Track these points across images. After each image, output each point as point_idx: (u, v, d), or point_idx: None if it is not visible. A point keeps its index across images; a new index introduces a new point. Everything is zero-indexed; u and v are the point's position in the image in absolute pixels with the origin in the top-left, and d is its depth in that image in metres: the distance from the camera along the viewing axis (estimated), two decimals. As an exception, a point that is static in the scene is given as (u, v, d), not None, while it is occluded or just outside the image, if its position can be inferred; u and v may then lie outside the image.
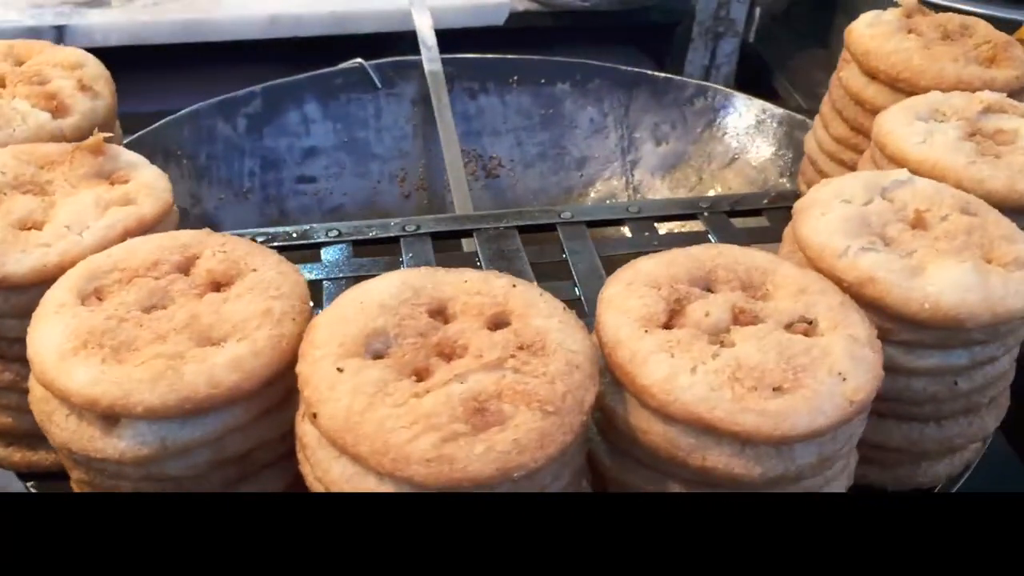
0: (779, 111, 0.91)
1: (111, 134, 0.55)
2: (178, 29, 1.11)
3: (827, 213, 0.50)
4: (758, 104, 0.92)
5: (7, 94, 0.59)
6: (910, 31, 0.67)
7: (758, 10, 1.35)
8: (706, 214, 0.75)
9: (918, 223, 0.50)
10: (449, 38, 1.18)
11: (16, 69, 0.61)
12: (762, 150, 0.91)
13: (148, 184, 0.53)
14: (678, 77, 0.97)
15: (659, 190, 0.96)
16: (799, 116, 0.90)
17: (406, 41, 1.17)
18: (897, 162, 0.57)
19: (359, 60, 0.97)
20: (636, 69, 0.98)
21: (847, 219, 0.50)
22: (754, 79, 1.38)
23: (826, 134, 0.71)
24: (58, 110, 0.58)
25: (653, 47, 1.36)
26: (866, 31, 0.68)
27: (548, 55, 1.25)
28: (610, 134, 0.98)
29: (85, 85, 0.60)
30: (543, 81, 1.00)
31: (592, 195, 0.99)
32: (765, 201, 0.77)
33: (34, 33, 1.07)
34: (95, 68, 0.63)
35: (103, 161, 0.54)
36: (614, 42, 1.35)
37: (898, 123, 0.58)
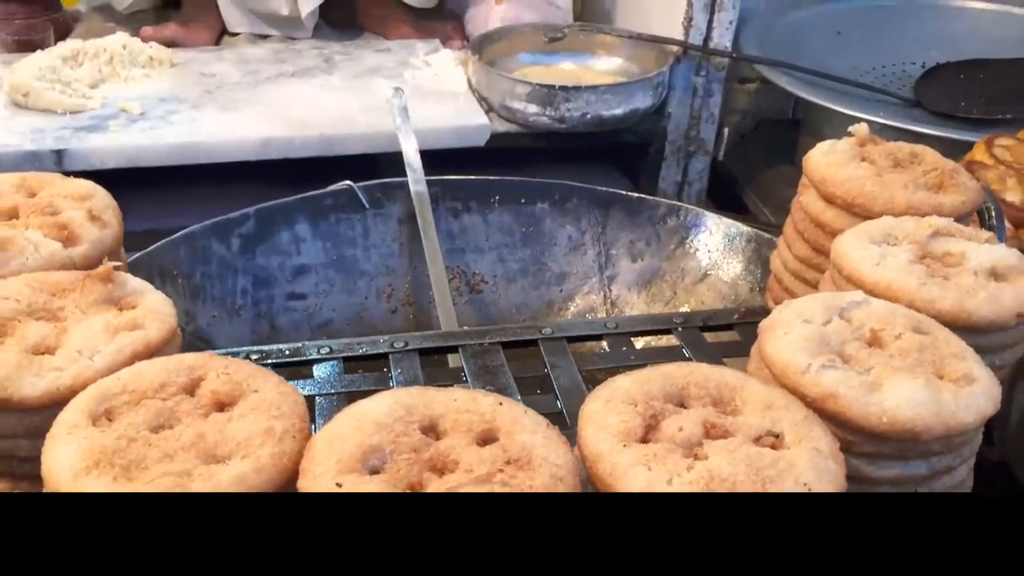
0: (747, 229, 0.96)
1: (120, 263, 0.58)
2: (173, 152, 1.16)
3: (789, 332, 0.54)
4: (727, 222, 0.97)
5: (21, 225, 0.62)
6: (863, 159, 0.73)
7: (726, 130, 1.42)
8: (680, 329, 0.79)
9: (874, 341, 0.54)
10: (434, 158, 1.24)
11: (29, 200, 0.65)
12: (732, 266, 0.96)
13: (154, 309, 0.57)
14: (651, 197, 1.02)
15: (636, 304, 1.00)
16: (766, 234, 0.94)
17: (392, 161, 1.23)
18: (854, 283, 0.61)
19: (348, 183, 1.01)
20: (611, 189, 1.04)
21: (808, 338, 0.53)
22: (725, 195, 1.44)
23: (790, 254, 0.76)
24: (69, 240, 0.62)
25: (628, 165, 1.42)
26: (822, 159, 0.73)
27: (527, 173, 1.31)
28: (588, 251, 1.03)
29: (94, 215, 0.64)
30: (523, 200, 1.05)
31: (572, 309, 1.03)
32: (736, 316, 0.81)
33: (35, 157, 1.12)
34: (103, 199, 0.67)
35: (112, 288, 0.57)
36: (590, 161, 1.41)
37: (854, 247, 0.63)
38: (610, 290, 1.02)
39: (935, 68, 1.41)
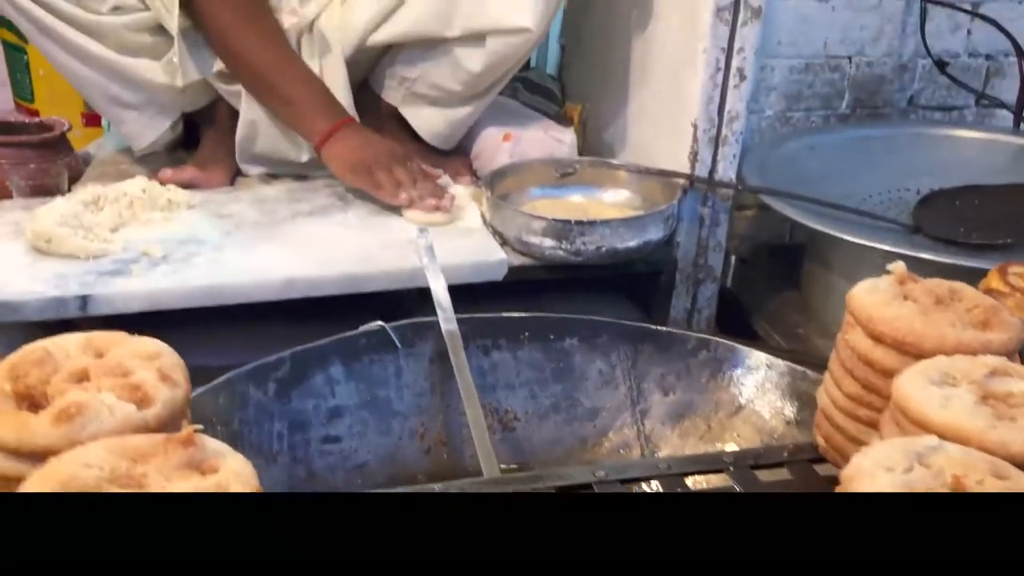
0: (780, 362, 0.97)
1: (199, 425, 0.58)
2: (197, 294, 1.17)
3: (875, 482, 0.55)
4: (759, 356, 0.99)
5: (92, 387, 0.62)
6: (906, 297, 0.75)
7: (733, 257, 1.46)
8: (731, 468, 0.80)
9: (957, 488, 0.55)
10: (451, 293, 1.25)
11: (98, 362, 0.65)
12: (767, 399, 0.97)
13: (236, 472, 0.56)
14: (681, 331, 1.04)
15: (670, 438, 1.01)
16: (799, 367, 0.96)
17: (413, 296, 1.25)
18: (921, 426, 0.62)
19: (380, 323, 1.02)
20: (640, 324, 1.06)
21: (894, 487, 0.54)
22: (733, 321, 1.47)
23: (839, 391, 0.77)
24: (142, 401, 0.62)
25: (638, 294, 1.44)
26: (867, 298, 0.75)
27: (539, 304, 1.33)
28: (619, 385, 1.04)
29: (165, 375, 0.64)
30: (552, 336, 1.06)
31: (606, 445, 1.03)
32: (785, 454, 0.82)
33: (59, 303, 1.12)
34: (171, 357, 0.67)
35: (193, 451, 0.57)
36: (601, 290, 1.43)
37: (915, 388, 0.64)
38: (643, 424, 1.03)
39: (930, 195, 1.46)
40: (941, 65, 1.60)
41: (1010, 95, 1.65)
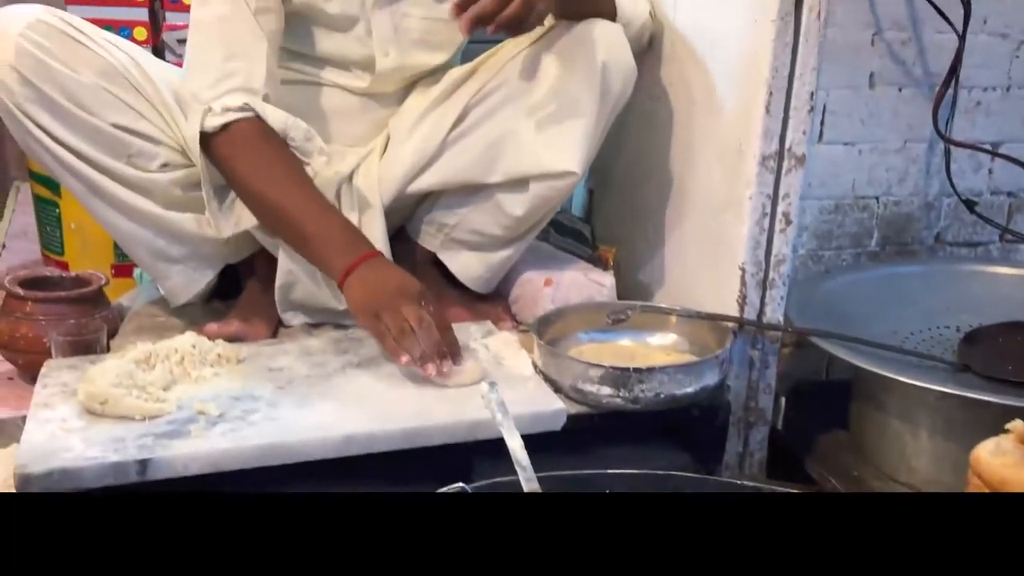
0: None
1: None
2: (257, 454, 1.14)
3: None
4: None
5: None
6: (1034, 459, 0.74)
7: (783, 399, 1.45)
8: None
9: None
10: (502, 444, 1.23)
11: None
12: None
13: None
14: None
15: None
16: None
17: (472, 449, 1.22)
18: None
19: (461, 484, 0.99)
20: (723, 479, 1.03)
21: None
22: (786, 465, 1.45)
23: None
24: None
25: (689, 438, 1.42)
26: (994, 460, 0.74)
27: (591, 451, 1.31)
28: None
29: None
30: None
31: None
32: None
33: (119, 469, 1.08)
34: None
35: None
36: (653, 435, 1.41)
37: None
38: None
39: (973, 332, 1.47)
40: (970, 205, 1.64)
41: (1033, 230, 1.69)
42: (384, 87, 1.48)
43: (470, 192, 1.46)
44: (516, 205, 1.42)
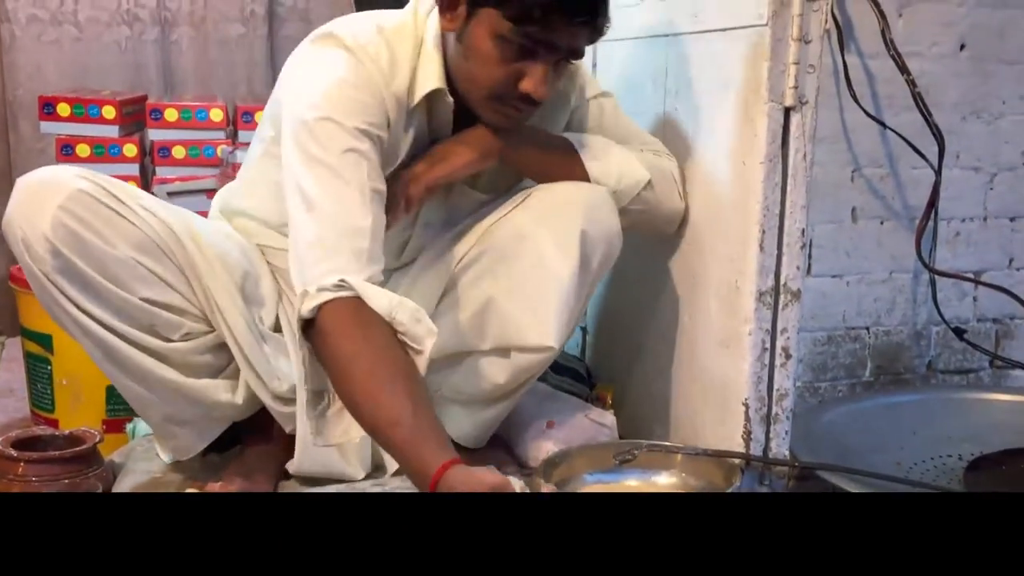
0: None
1: None
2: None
3: None
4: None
5: None
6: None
7: (793, 536, 1.42)
8: None
9: None
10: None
11: None
12: None
13: None
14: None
15: None
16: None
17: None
18: None
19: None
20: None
21: None
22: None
23: None
24: None
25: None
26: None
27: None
28: None
29: None
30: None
31: None
32: None
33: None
34: None
35: None
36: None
37: None
38: None
39: (976, 461, 1.47)
40: (959, 332, 1.67)
41: (1021, 355, 1.71)
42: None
43: (457, 358, 1.45)
44: (498, 373, 1.40)
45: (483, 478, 1.13)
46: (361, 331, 1.17)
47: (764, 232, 1.32)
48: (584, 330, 1.88)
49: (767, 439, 1.38)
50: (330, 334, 1.18)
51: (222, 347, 1.34)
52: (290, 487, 1.44)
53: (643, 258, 1.61)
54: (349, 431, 1.24)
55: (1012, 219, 1.71)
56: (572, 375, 1.76)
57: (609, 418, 1.55)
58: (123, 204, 1.28)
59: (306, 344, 1.21)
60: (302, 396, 1.26)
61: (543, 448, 1.48)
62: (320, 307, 1.18)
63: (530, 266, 1.35)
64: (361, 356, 1.16)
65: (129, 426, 1.68)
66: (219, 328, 1.31)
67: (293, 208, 1.25)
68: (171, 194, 2.13)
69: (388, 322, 1.18)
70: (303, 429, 1.35)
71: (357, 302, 1.18)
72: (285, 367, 1.39)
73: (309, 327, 1.20)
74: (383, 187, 1.28)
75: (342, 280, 1.18)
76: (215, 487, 1.35)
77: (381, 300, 1.19)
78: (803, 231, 1.33)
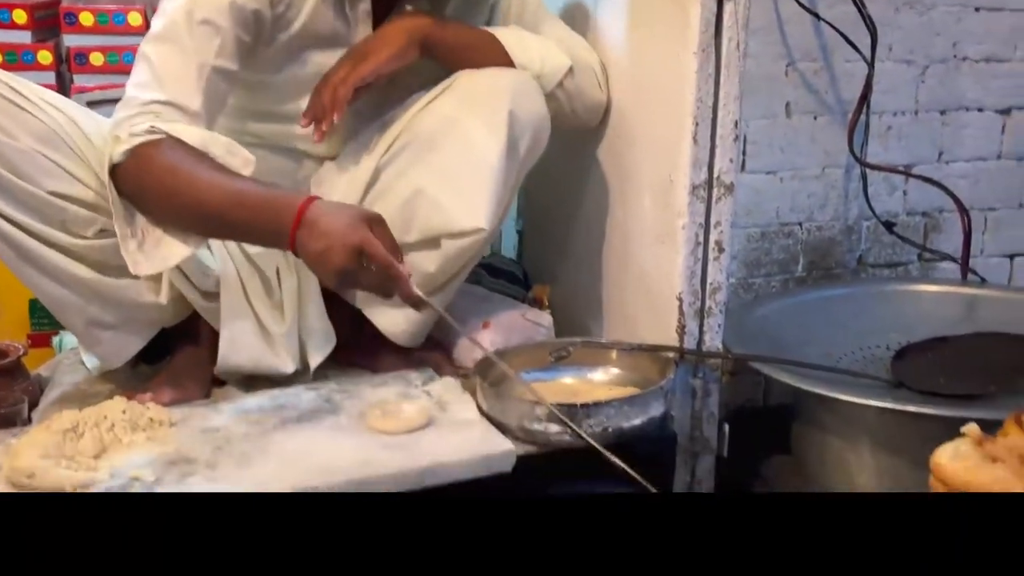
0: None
1: None
2: (199, 518, 1.09)
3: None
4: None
5: None
6: (993, 459, 0.75)
7: (727, 426, 1.45)
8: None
9: None
10: (458, 488, 1.20)
11: None
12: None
13: None
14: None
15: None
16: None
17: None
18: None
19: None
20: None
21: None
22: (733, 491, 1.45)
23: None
24: None
25: (639, 472, 1.41)
26: (955, 465, 0.75)
27: (544, 490, 1.29)
28: None
29: None
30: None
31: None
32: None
33: (51, 543, 1.02)
34: None
35: None
36: (606, 471, 1.40)
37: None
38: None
39: (903, 350, 1.50)
40: (888, 226, 1.69)
41: (948, 247, 1.74)
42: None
43: None
44: (428, 262, 1.39)
45: (346, 209, 1.23)
46: (180, 157, 1.23)
47: (698, 124, 1.31)
48: (521, 232, 1.87)
49: (701, 333, 1.39)
50: (149, 166, 1.22)
51: None
52: (225, 394, 1.42)
53: (576, 156, 1.59)
54: (169, 258, 1.27)
55: (942, 112, 1.72)
56: (508, 277, 1.75)
57: (546, 318, 1.55)
58: (25, 98, 1.24)
59: (111, 183, 1.23)
60: (123, 232, 1.25)
61: (478, 349, 1.48)
62: (133, 149, 1.22)
63: (457, 151, 1.34)
64: (186, 170, 1.22)
65: (56, 339, 1.64)
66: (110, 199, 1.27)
67: (135, 66, 1.29)
68: (91, 103, 2.04)
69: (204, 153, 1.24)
70: (228, 323, 1.34)
71: (171, 140, 1.23)
72: (211, 262, 1.36)
73: (120, 173, 1.23)
74: (235, 68, 1.31)
75: (153, 126, 1.22)
76: (144, 397, 1.32)
77: (194, 135, 1.25)
78: (736, 123, 1.32)
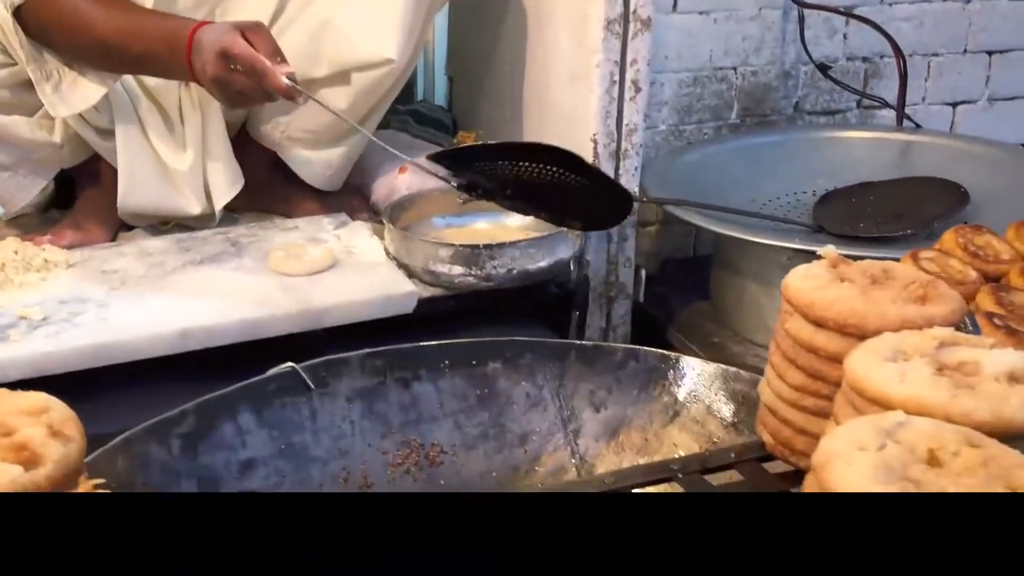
0: (711, 366, 0.95)
1: (102, 480, 0.51)
2: (84, 355, 1.08)
3: (851, 463, 0.52)
4: (689, 360, 0.96)
5: (-29, 452, 0.54)
6: (842, 280, 0.73)
7: (644, 272, 1.43)
8: (680, 476, 0.76)
9: (933, 461, 0.52)
10: (360, 330, 1.19)
11: (-24, 423, 0.57)
12: (701, 405, 0.94)
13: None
14: (607, 343, 1.01)
15: (606, 456, 0.97)
16: (731, 368, 0.94)
17: (321, 339, 1.18)
18: (881, 404, 0.60)
19: (291, 364, 0.96)
20: (564, 340, 1.02)
21: (874, 466, 0.51)
22: (648, 336, 1.44)
23: (783, 384, 0.75)
24: (30, 460, 0.54)
25: (552, 317, 1.41)
26: (803, 284, 0.73)
27: (454, 336, 1.28)
28: (548, 406, 1.00)
29: (55, 430, 0.56)
30: (474, 362, 1.01)
31: (540, 471, 0.98)
32: (733, 456, 0.78)
33: (-72, 377, 1.01)
34: (61, 411, 0.59)
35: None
36: (516, 317, 1.39)
37: (870, 367, 0.62)
38: (577, 444, 0.98)
39: (827, 195, 1.47)
40: (823, 69, 1.63)
41: (888, 94, 1.69)
42: None
43: None
44: (340, 98, 1.34)
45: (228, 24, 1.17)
46: None
47: (612, -47, 1.25)
48: (451, 79, 1.81)
49: (616, 175, 1.36)
50: (50, 3, 1.17)
51: (31, 83, 1.25)
52: (131, 238, 1.39)
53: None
54: (87, 98, 1.23)
55: (886, -51, 1.65)
56: (435, 124, 1.70)
57: (465, 163, 1.50)
58: None
59: (16, 23, 1.17)
60: (36, 75, 1.20)
61: (394, 193, 1.45)
62: None
63: None
64: (85, 5, 1.17)
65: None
66: (16, 57, 1.21)
67: None
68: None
69: None
70: (126, 159, 1.30)
71: None
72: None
73: (23, 14, 1.17)
74: None
75: None
76: (42, 240, 1.29)
77: None
78: (653, -48, 1.25)
